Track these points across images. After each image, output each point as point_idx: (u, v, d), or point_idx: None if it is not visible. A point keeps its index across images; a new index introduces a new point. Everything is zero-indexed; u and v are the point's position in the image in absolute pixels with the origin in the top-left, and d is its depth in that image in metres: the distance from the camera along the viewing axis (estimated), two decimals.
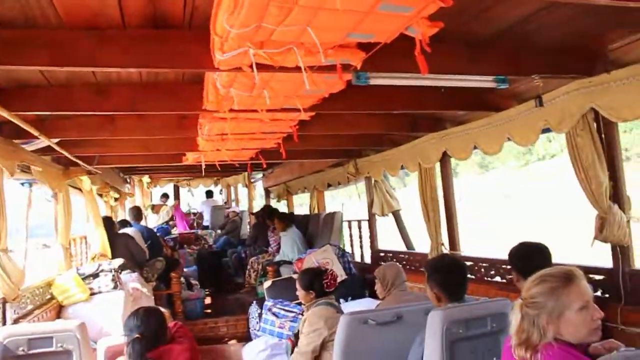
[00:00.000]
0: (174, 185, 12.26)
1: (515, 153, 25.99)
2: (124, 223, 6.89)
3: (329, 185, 7.72)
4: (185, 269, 7.85)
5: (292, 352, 3.33)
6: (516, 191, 25.08)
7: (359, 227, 6.80)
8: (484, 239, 14.48)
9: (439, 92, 3.57)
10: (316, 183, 8.07)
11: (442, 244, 4.72)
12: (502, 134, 3.71)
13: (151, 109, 3.37)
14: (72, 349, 2.67)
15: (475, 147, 4.04)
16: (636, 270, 3.03)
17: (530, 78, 2.97)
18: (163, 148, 5.03)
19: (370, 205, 6.31)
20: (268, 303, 5.10)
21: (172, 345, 2.60)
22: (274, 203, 10.45)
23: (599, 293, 3.16)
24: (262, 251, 7.48)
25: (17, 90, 3.05)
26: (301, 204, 12.51)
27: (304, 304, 3.55)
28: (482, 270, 4.27)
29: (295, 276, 4.56)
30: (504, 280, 4.02)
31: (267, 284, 5.54)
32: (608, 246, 3.10)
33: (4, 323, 3.59)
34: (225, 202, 12.86)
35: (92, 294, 4.65)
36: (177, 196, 12.38)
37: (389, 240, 6.81)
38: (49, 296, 4.55)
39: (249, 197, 11.98)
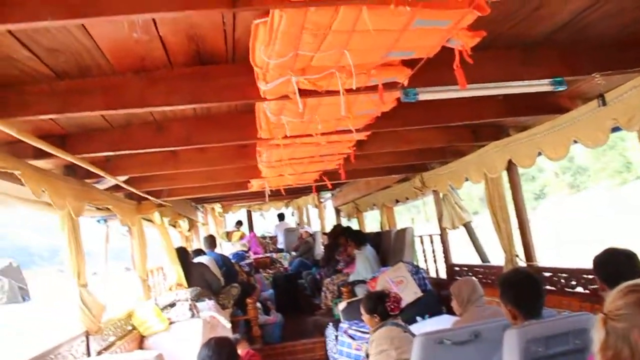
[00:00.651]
0: (247, 211, 12.45)
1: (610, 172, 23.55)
2: (199, 252, 7.06)
3: (397, 201, 7.56)
4: (263, 293, 7.95)
5: None
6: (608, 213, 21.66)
7: (431, 242, 6.57)
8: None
9: (497, 99, 3.38)
10: (384, 200, 7.95)
11: (517, 256, 4.44)
12: (567, 137, 3.43)
13: (208, 141, 3.44)
14: None
15: (539, 154, 3.78)
16: None
17: (591, 77, 2.73)
18: (227, 177, 5.14)
19: (440, 219, 6.11)
20: (344, 325, 5.05)
21: None
22: (344, 222, 10.32)
23: None
24: (336, 271, 7.40)
25: (82, 135, 3.22)
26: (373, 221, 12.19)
27: (370, 327, 3.51)
28: (562, 281, 3.94)
29: None
30: (587, 291, 3.68)
31: (342, 305, 5.47)
32: None
33: (89, 354, 3.75)
34: (298, 224, 12.93)
35: (171, 323, 4.78)
36: (250, 224, 12.53)
37: (462, 253, 6.50)
38: (130, 327, 4.71)
39: (319, 217, 11.99)
